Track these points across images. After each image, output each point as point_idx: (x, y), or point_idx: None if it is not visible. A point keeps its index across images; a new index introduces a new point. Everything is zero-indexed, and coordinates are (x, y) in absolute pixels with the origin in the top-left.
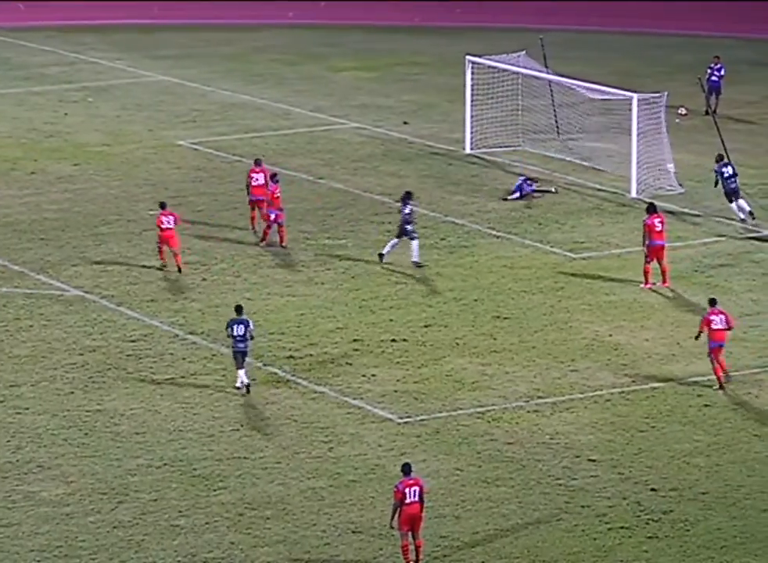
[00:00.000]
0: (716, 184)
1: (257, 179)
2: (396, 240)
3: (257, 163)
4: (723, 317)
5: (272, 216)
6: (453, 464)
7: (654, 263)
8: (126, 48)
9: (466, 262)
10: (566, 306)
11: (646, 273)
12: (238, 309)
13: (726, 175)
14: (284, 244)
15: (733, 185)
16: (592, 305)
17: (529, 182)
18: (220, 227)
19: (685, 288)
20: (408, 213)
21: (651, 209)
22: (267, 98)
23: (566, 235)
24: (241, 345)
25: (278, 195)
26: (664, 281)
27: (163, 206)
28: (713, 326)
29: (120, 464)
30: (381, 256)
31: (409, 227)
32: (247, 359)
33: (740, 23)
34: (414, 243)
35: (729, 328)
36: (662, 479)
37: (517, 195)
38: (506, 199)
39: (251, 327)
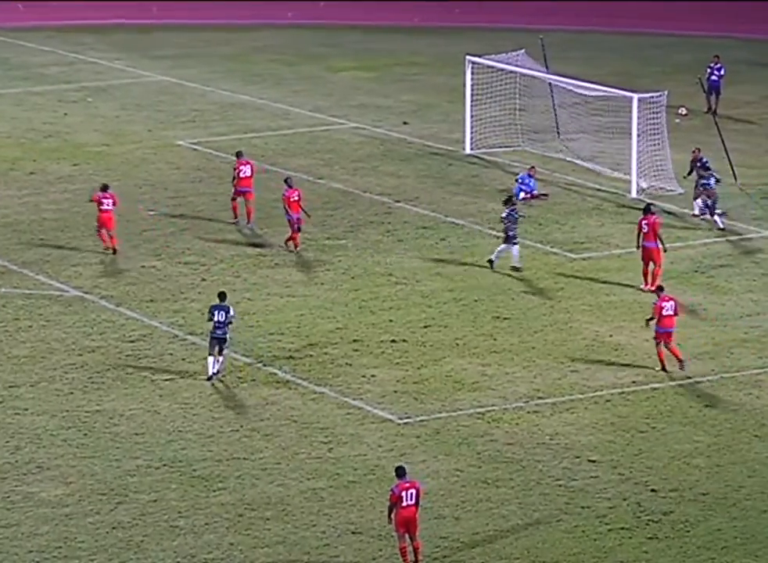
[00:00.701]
0: (690, 173)
1: (245, 171)
2: (504, 246)
3: (240, 154)
4: (672, 303)
5: (294, 219)
6: (453, 464)
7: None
8: (125, 48)
9: (466, 262)
10: (566, 307)
11: (644, 274)
12: (222, 295)
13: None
14: (297, 249)
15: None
16: (592, 305)
17: (528, 182)
18: (221, 227)
19: (685, 289)
20: (506, 217)
21: (646, 210)
22: (266, 98)
23: (566, 236)
24: (219, 331)
25: (296, 198)
26: (645, 284)
27: (104, 188)
28: (664, 313)
29: (119, 465)
30: (491, 262)
31: (512, 232)
32: (226, 347)
33: (738, 24)
34: (515, 248)
35: (676, 314)
36: (662, 480)
37: (521, 196)
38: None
39: (231, 313)
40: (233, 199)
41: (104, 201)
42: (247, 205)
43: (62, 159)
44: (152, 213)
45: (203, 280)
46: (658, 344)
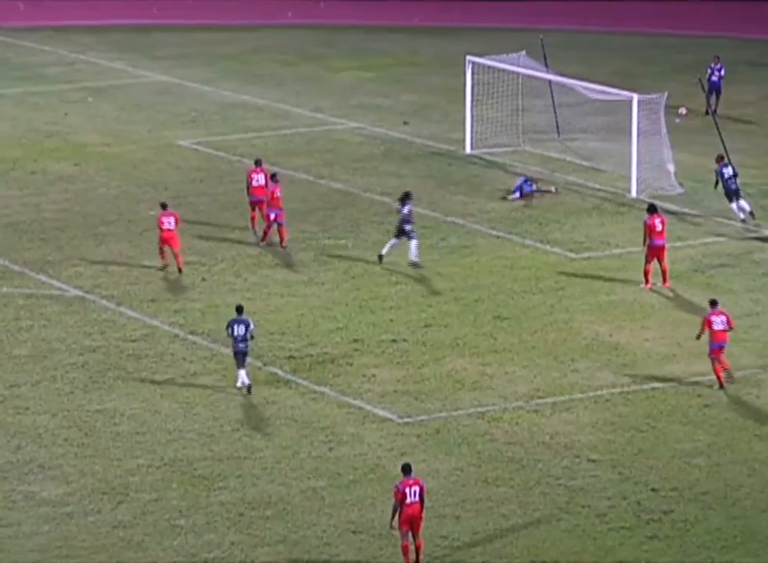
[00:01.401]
0: (717, 184)
1: (257, 179)
2: (395, 240)
3: (257, 163)
4: (723, 317)
5: (272, 216)
6: (453, 463)
7: (655, 263)
8: (125, 49)
9: (466, 262)
10: (566, 306)
11: (646, 273)
12: (239, 309)
13: (726, 176)
14: (284, 244)
15: (733, 186)
16: (592, 305)
17: (529, 182)
18: (221, 227)
19: (685, 288)
20: (407, 213)
21: (652, 209)
22: (266, 99)
23: (566, 235)
24: (241, 345)
25: (279, 194)
26: (664, 282)
27: (164, 206)
28: (714, 327)
29: (120, 464)
30: (380, 257)
31: (408, 226)
32: (247, 359)
33: (739, 24)
34: (413, 243)
35: (730, 329)
36: (662, 479)
37: (517, 194)
38: (505, 199)
39: (251, 327)
40: (252, 210)
41: (164, 220)
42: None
43: (62, 159)
44: (152, 213)
45: (204, 280)
46: (713, 361)
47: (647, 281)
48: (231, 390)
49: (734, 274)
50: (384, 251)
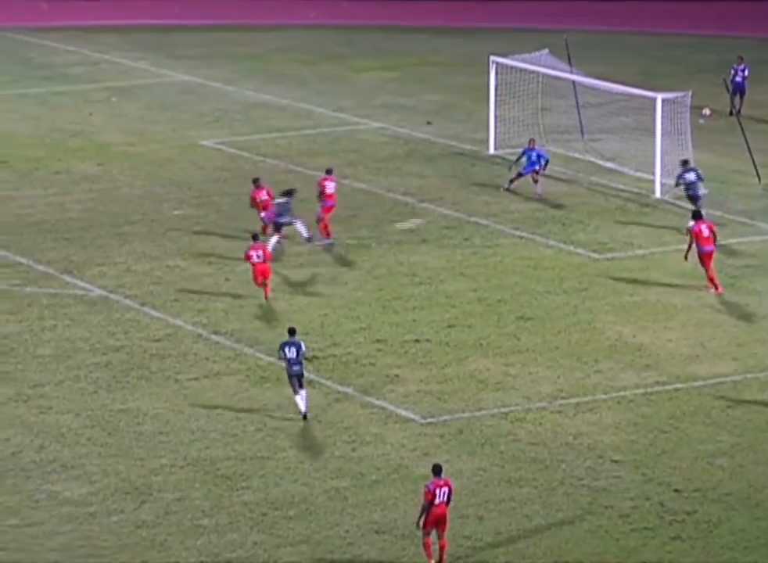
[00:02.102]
0: (676, 186)
1: (330, 187)
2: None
3: (329, 172)
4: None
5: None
6: (476, 464)
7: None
8: (148, 48)
9: (490, 262)
10: (590, 307)
11: (711, 280)
12: (291, 331)
13: (688, 181)
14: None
15: (694, 192)
16: (615, 306)
17: (534, 154)
18: (244, 227)
19: (709, 289)
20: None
21: (697, 215)
22: (289, 98)
23: (590, 236)
24: (295, 368)
25: (264, 197)
26: (716, 288)
27: (254, 237)
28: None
29: (143, 464)
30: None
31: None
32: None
33: (763, 24)
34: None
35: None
36: (685, 480)
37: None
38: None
39: (303, 349)
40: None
41: (253, 253)
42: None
43: (86, 159)
44: (176, 212)
45: (227, 279)
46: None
47: (716, 287)
48: (254, 390)
49: (758, 274)
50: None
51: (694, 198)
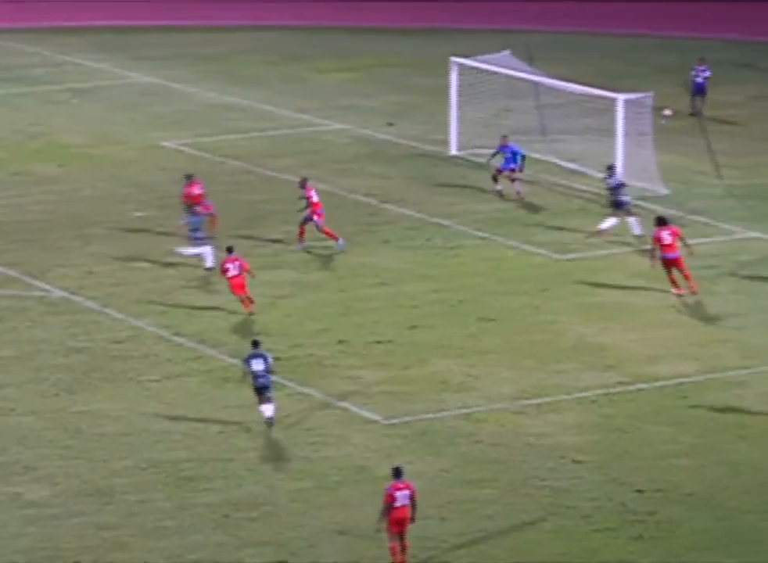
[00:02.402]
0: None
1: (314, 196)
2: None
3: (305, 181)
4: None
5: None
6: (438, 465)
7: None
8: (110, 50)
9: (452, 263)
10: (551, 308)
11: (672, 282)
12: (255, 343)
13: (611, 185)
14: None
15: (619, 197)
16: (577, 306)
17: (508, 151)
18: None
19: (669, 289)
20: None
21: (661, 221)
22: (251, 99)
23: (551, 236)
24: (261, 379)
25: (199, 192)
26: (688, 288)
27: (229, 249)
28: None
29: (105, 466)
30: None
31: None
32: (270, 393)
33: (723, 25)
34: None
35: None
36: (647, 480)
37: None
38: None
39: (270, 360)
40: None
41: (228, 266)
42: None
43: (47, 161)
44: (138, 214)
45: (189, 281)
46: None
47: (676, 286)
48: (216, 392)
49: (719, 275)
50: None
51: (617, 204)
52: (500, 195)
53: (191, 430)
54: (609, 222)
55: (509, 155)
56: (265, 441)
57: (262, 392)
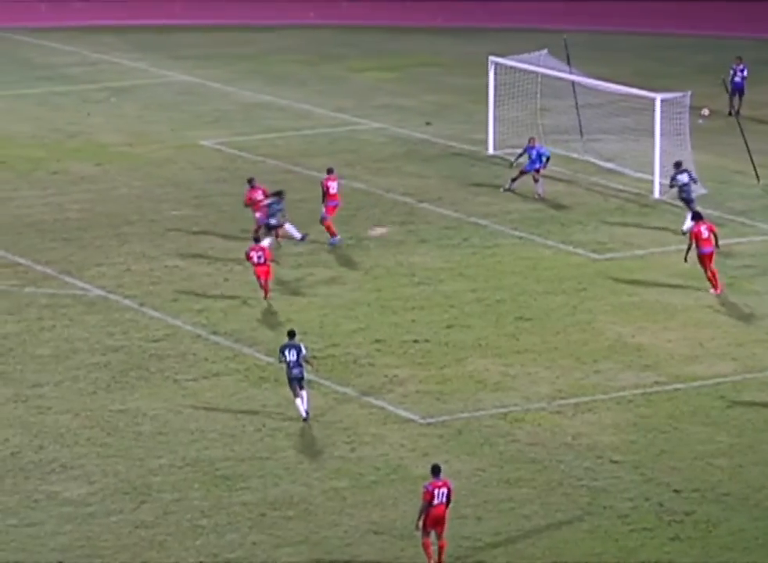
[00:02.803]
0: (671, 187)
1: (333, 187)
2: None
3: (330, 171)
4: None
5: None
6: (475, 464)
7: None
8: (147, 49)
9: (489, 263)
10: (589, 307)
11: (710, 279)
12: (291, 334)
13: (680, 182)
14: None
15: (687, 194)
16: (615, 306)
17: (534, 151)
18: (243, 227)
19: (708, 289)
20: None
21: (698, 216)
22: (288, 99)
23: (589, 236)
24: (295, 371)
25: (260, 197)
26: (715, 288)
27: (256, 239)
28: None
29: (142, 464)
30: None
31: (273, 220)
32: (304, 384)
33: (762, 24)
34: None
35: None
36: (684, 480)
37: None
38: (512, 165)
39: (304, 351)
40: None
41: (253, 254)
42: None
43: (85, 159)
44: (175, 212)
45: (226, 280)
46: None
47: (715, 287)
48: (253, 390)
49: (757, 274)
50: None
51: (687, 200)
52: (510, 191)
53: (227, 429)
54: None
55: (534, 156)
56: (302, 440)
57: (295, 383)
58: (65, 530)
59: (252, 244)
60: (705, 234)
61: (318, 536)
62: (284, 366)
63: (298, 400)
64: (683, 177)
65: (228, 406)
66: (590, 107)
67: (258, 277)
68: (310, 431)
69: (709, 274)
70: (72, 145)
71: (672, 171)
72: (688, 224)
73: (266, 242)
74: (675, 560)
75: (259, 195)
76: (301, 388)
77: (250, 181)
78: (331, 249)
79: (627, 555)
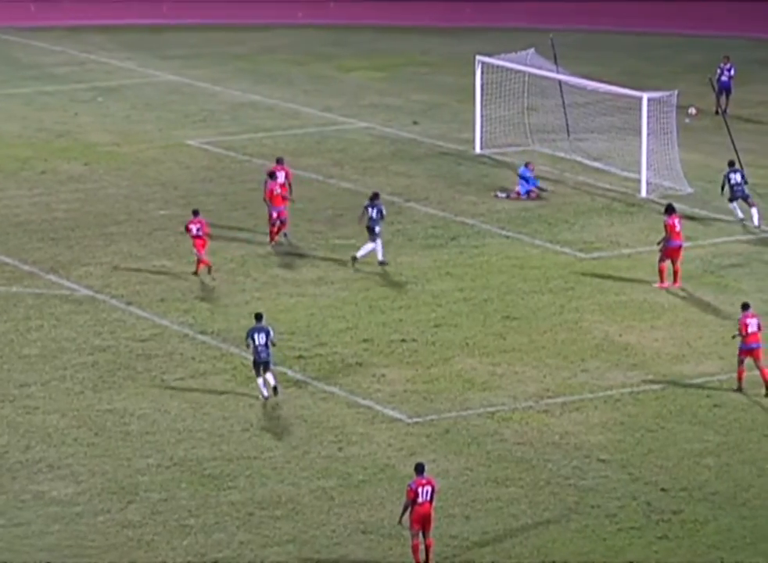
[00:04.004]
0: (722, 189)
1: (280, 177)
2: (371, 244)
3: (279, 161)
4: (756, 320)
5: (275, 214)
6: (462, 463)
7: (668, 263)
8: (135, 48)
9: (476, 262)
10: (576, 306)
11: (661, 272)
12: (258, 317)
13: (733, 181)
14: (274, 242)
15: (740, 193)
16: (602, 305)
17: (527, 175)
18: (230, 227)
19: (695, 289)
20: (374, 214)
21: (671, 209)
22: (276, 98)
23: (576, 235)
24: (263, 354)
25: (278, 191)
26: (675, 281)
27: (195, 212)
28: (749, 330)
29: (129, 464)
30: (354, 258)
31: (377, 228)
32: (270, 366)
33: (749, 23)
34: (378, 243)
35: (759, 330)
36: (671, 479)
37: (504, 195)
38: (508, 197)
39: (272, 334)
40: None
41: (192, 226)
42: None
43: (72, 159)
44: (162, 212)
45: (213, 279)
46: (739, 362)
47: (662, 280)
48: (241, 390)
49: (744, 274)
50: (359, 254)
51: (743, 197)
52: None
53: (215, 428)
54: (755, 215)
55: (529, 183)
56: (289, 439)
57: (262, 366)
58: (52, 530)
59: (191, 217)
60: (678, 227)
61: (306, 535)
62: (250, 350)
63: (260, 380)
64: (737, 176)
65: (216, 405)
66: (577, 106)
67: (197, 250)
68: (298, 430)
69: (677, 266)
70: (59, 144)
71: (726, 170)
72: (756, 218)
73: (370, 246)
74: (663, 559)
75: (277, 189)
76: (266, 370)
77: (271, 175)
78: (316, 247)
79: (615, 554)
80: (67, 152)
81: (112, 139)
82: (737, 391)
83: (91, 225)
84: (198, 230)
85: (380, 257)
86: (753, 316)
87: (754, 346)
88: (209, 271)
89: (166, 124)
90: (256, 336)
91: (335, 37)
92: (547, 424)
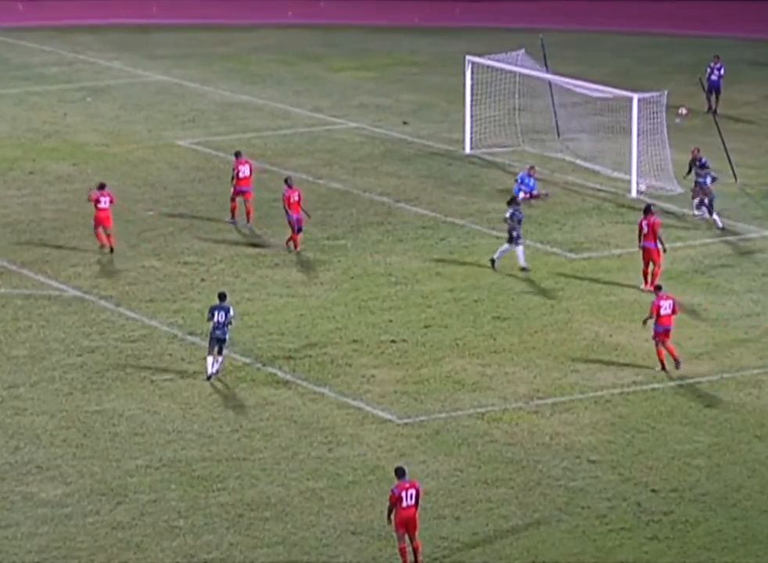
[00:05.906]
0: (688, 173)
1: (243, 171)
2: (507, 246)
3: (239, 155)
4: (670, 302)
5: (294, 220)
6: (452, 464)
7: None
8: (124, 48)
9: (466, 262)
10: (566, 307)
11: (645, 274)
12: (221, 296)
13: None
14: (298, 249)
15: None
16: (592, 305)
17: (526, 181)
18: (219, 227)
19: (685, 289)
20: (509, 218)
21: (646, 210)
22: (265, 98)
23: (566, 236)
24: (218, 332)
25: (296, 198)
26: (646, 283)
27: (101, 186)
28: (662, 312)
29: (118, 465)
30: (492, 261)
31: (515, 232)
32: (224, 346)
33: (739, 23)
34: (519, 248)
35: (674, 313)
36: (662, 480)
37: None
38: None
39: (231, 313)
40: (232, 199)
41: (101, 199)
42: (246, 205)
43: (61, 159)
44: (151, 212)
45: (203, 280)
46: (657, 344)
47: (646, 282)
48: (231, 390)
49: (735, 274)
50: (496, 256)
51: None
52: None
53: (204, 429)
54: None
55: (527, 187)
56: (279, 440)
57: (215, 343)
58: (41, 531)
59: (96, 192)
60: (645, 229)
61: (296, 536)
62: (210, 324)
63: (210, 358)
64: (707, 180)
65: (205, 406)
66: (567, 106)
67: (98, 224)
68: (287, 431)
69: (653, 268)
70: (48, 144)
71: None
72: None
73: (505, 248)
74: (653, 560)
75: (295, 196)
76: (220, 351)
77: (287, 181)
78: (305, 248)
79: (605, 555)
80: (56, 153)
81: (101, 139)
82: (662, 371)
83: (79, 225)
84: (105, 202)
85: (521, 262)
86: (667, 298)
87: (669, 328)
88: (102, 246)
89: (155, 125)
90: (216, 313)
91: (325, 38)
92: (538, 424)
